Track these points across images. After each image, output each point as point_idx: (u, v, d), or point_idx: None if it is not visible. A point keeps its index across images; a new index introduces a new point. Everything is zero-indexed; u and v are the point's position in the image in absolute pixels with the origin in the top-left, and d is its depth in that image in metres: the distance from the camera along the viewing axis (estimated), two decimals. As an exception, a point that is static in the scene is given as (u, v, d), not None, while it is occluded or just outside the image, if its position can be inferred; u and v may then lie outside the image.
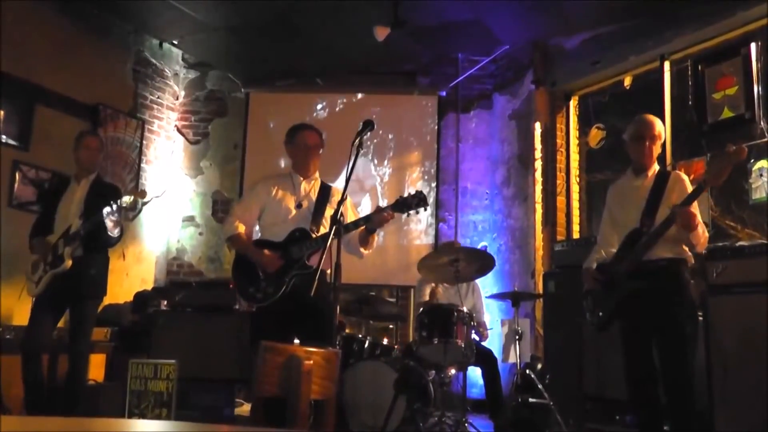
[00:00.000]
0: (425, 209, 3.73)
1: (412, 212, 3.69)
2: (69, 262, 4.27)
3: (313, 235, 3.77)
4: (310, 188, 3.99)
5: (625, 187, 3.79)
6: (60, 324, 4.58)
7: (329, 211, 3.87)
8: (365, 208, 6.72)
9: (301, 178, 4.00)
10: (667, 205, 3.51)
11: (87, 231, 4.25)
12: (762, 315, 3.79)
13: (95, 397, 4.95)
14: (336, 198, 3.92)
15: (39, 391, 4.29)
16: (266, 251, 3.78)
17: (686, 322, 3.45)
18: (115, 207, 4.24)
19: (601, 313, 3.67)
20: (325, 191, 4.00)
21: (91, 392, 4.92)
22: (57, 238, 4.36)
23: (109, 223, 4.26)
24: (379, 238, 7.14)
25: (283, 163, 6.70)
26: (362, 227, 3.77)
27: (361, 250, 3.90)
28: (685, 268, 3.54)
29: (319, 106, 7.43)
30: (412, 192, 3.70)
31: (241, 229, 3.94)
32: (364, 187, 7.26)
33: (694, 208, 3.47)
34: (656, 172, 3.68)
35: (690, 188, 3.52)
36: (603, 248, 3.79)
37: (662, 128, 3.68)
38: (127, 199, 4.31)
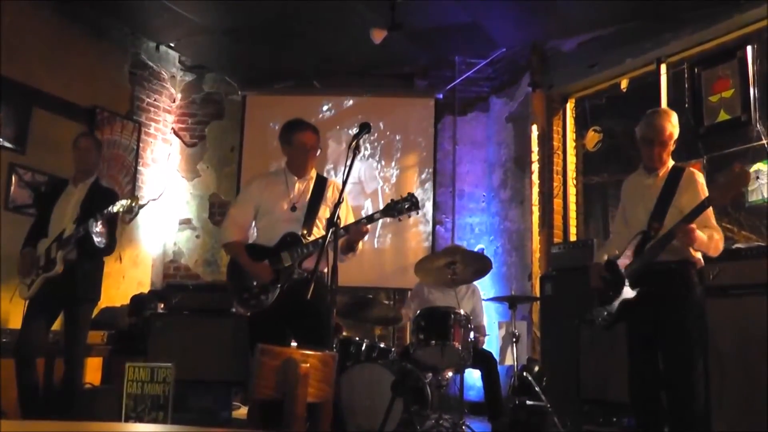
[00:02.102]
0: (417, 213, 3.71)
1: (404, 216, 3.67)
2: (61, 267, 4.25)
3: (305, 240, 3.73)
4: (304, 188, 3.93)
5: (638, 183, 3.73)
6: (56, 327, 4.57)
7: (324, 211, 3.83)
8: (368, 212, 6.73)
9: (296, 178, 3.94)
10: (677, 206, 3.46)
11: (80, 236, 4.23)
12: (759, 317, 3.80)
13: (92, 401, 4.94)
14: (331, 193, 3.90)
15: (34, 394, 4.28)
16: (257, 262, 3.75)
17: (693, 326, 3.43)
18: (99, 216, 4.19)
19: (606, 313, 3.65)
20: (320, 187, 3.93)
21: (88, 396, 4.91)
22: (50, 242, 4.34)
23: (95, 235, 4.21)
24: (376, 240, 7.20)
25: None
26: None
27: (342, 256, 3.84)
28: (693, 271, 3.51)
29: (316, 109, 7.42)
30: (404, 195, 3.68)
31: (236, 236, 3.91)
32: (365, 190, 7.26)
33: (709, 210, 3.42)
34: (669, 169, 3.60)
35: (703, 188, 3.47)
36: (615, 244, 3.76)
37: (675, 126, 3.56)
38: (124, 203, 4.28)
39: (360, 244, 3.81)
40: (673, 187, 3.52)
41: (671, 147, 3.61)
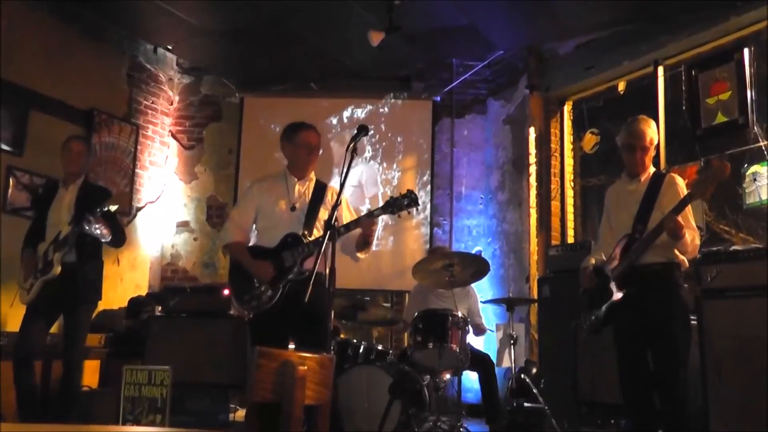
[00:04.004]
0: (417, 209, 3.72)
1: (404, 212, 3.68)
2: (58, 269, 4.24)
3: (306, 240, 3.75)
4: (304, 189, 3.95)
5: (621, 190, 3.82)
6: (54, 330, 4.56)
7: (323, 213, 3.84)
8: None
9: (296, 180, 3.96)
10: (660, 209, 3.52)
11: (77, 235, 4.22)
12: (756, 319, 3.80)
13: (89, 404, 4.92)
14: (331, 197, 3.92)
15: (32, 397, 4.27)
16: (259, 261, 3.76)
17: (678, 326, 3.47)
18: (94, 215, 4.17)
19: (593, 317, 3.69)
20: (320, 191, 3.96)
21: (85, 398, 4.90)
22: (47, 245, 4.34)
23: (96, 232, 4.20)
24: (374, 243, 7.17)
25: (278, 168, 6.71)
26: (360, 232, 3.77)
27: (357, 254, 3.89)
28: (678, 273, 3.55)
29: (313, 111, 7.41)
30: (404, 192, 3.70)
31: (238, 237, 3.93)
32: (366, 193, 7.26)
33: (688, 213, 3.49)
34: (650, 175, 3.69)
35: (684, 191, 3.53)
36: (602, 249, 3.83)
37: (654, 133, 3.68)
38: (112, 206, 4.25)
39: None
40: (655, 191, 3.61)
41: (652, 152, 3.71)
